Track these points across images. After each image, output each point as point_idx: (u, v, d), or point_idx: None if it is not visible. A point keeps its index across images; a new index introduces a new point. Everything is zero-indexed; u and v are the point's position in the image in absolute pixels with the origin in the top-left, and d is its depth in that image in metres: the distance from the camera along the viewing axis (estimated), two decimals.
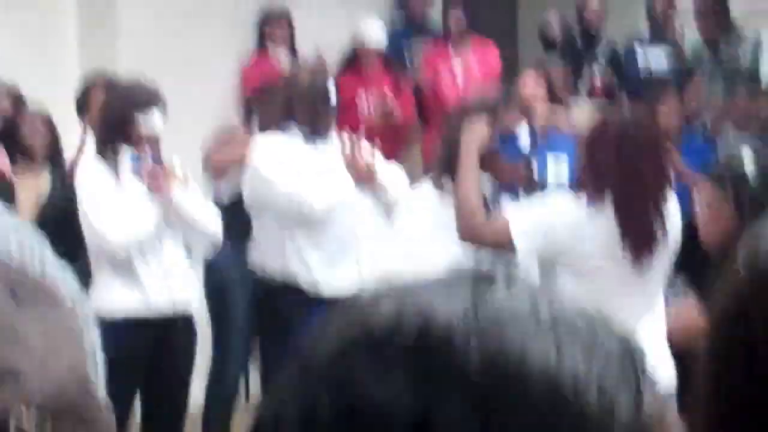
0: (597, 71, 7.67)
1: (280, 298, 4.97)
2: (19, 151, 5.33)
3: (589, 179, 3.87)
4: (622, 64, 7.85)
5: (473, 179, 3.95)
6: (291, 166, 4.77)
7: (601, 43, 7.82)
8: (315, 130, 4.95)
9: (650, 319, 3.88)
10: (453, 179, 4.01)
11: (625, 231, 3.80)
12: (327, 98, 5.02)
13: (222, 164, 5.38)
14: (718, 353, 1.05)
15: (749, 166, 3.96)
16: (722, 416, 1.04)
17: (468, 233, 3.90)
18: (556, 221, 3.76)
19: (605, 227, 3.76)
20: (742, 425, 1.02)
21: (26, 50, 6.70)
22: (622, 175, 3.84)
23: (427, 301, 0.69)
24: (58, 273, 1.08)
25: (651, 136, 4.00)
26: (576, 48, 7.75)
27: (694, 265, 4.05)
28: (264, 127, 5.21)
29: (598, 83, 7.60)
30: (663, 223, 3.85)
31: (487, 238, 3.89)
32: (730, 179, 3.95)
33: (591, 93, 7.53)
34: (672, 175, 4.08)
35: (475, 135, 3.96)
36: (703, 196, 4.07)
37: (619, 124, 3.95)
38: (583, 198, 3.78)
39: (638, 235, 3.81)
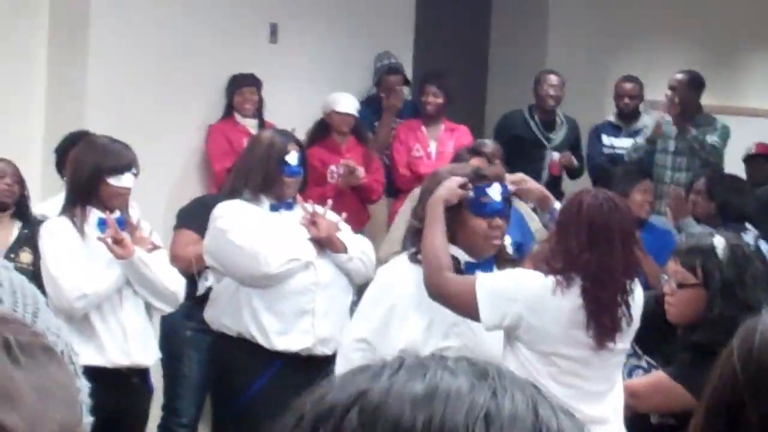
0: (554, 154, 7.81)
1: (234, 352, 4.93)
2: None
3: (558, 261, 3.84)
4: (580, 147, 8.07)
5: (440, 234, 3.92)
6: (252, 229, 4.75)
7: (559, 124, 7.98)
8: (269, 196, 4.95)
9: (610, 397, 3.85)
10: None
11: (591, 318, 3.78)
12: (282, 166, 5.00)
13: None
14: None
15: (719, 246, 4.02)
16: None
17: (434, 289, 3.86)
18: (520, 296, 3.73)
19: (569, 311, 3.75)
20: None
21: None
22: (594, 262, 3.82)
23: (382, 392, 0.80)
24: (52, 324, 1.06)
25: (624, 223, 3.94)
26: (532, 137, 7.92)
27: (658, 338, 4.11)
28: (229, 192, 5.16)
29: (555, 166, 7.75)
30: (629, 311, 3.81)
31: (452, 298, 3.87)
32: (700, 258, 4.00)
33: (550, 173, 7.79)
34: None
35: (444, 189, 3.92)
36: (671, 275, 4.08)
37: (595, 209, 3.90)
38: (550, 278, 3.75)
39: (604, 323, 3.78)
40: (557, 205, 4.32)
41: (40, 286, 4.39)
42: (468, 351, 3.90)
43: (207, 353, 5.44)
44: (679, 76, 7.89)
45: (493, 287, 3.79)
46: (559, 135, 7.96)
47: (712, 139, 7.67)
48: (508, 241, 5.79)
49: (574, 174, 8.00)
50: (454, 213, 3.97)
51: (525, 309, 3.75)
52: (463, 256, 4.01)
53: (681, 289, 3.93)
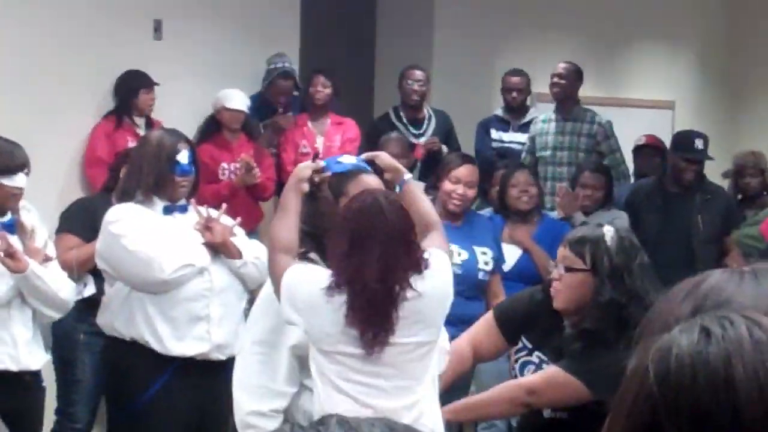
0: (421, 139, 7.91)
1: (128, 357, 4.89)
2: None
3: (331, 260, 3.90)
4: (452, 139, 8.08)
5: (288, 220, 3.91)
6: (146, 234, 4.73)
7: (427, 118, 8.02)
8: (161, 197, 4.92)
9: (420, 389, 3.90)
10: (320, 253, 3.92)
11: (351, 325, 3.83)
12: (173, 165, 4.97)
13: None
14: None
15: (608, 235, 4.11)
16: None
17: (268, 268, 3.91)
18: (299, 294, 3.77)
19: (342, 313, 3.80)
20: None
21: None
22: (351, 269, 3.85)
23: None
24: None
25: (389, 228, 3.94)
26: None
27: (547, 332, 4.13)
28: (121, 194, 5.14)
29: (418, 150, 7.75)
30: (396, 312, 3.82)
31: (274, 276, 3.88)
32: (589, 245, 4.08)
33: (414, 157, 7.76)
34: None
35: (293, 176, 3.93)
36: (560, 261, 4.16)
37: (357, 214, 3.93)
38: (327, 278, 3.83)
39: (363, 330, 3.80)
40: (407, 177, 4.25)
41: None
42: None
43: (101, 357, 5.39)
44: (564, 65, 8.11)
45: (289, 281, 3.81)
46: (428, 130, 8.00)
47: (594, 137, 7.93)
48: (489, 255, 6.13)
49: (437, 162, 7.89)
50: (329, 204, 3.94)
51: (305, 308, 3.80)
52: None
53: (568, 273, 4.01)
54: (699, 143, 7.39)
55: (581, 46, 9.58)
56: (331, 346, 3.86)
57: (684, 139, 7.55)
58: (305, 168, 3.91)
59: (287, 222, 3.92)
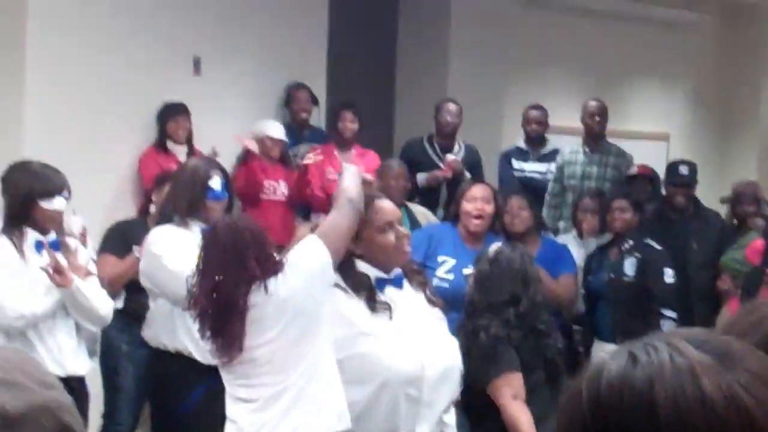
0: (449, 157, 7.81)
1: (172, 367, 4.93)
2: None
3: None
4: (479, 171, 7.97)
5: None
6: (184, 254, 4.67)
7: (457, 150, 7.97)
8: (195, 220, 4.89)
9: (281, 387, 3.93)
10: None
11: (204, 337, 4.00)
12: (206, 191, 4.97)
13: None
14: None
15: (490, 250, 4.80)
16: None
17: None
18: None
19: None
20: None
21: None
22: (196, 288, 4.01)
23: None
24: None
25: (225, 245, 4.01)
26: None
27: None
28: (159, 217, 5.18)
29: (447, 167, 7.74)
30: (241, 320, 3.89)
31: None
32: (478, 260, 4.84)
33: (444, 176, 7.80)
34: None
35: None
36: None
37: (212, 236, 4.05)
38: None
39: (215, 340, 3.92)
40: (349, 166, 4.39)
41: None
42: None
43: (143, 367, 5.38)
44: (596, 104, 8.15)
45: None
46: (456, 152, 7.92)
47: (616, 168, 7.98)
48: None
49: (459, 182, 7.63)
50: (360, 233, 4.03)
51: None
52: (374, 272, 4.07)
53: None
54: (683, 169, 7.42)
55: (583, 81, 9.83)
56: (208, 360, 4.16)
57: (672, 168, 7.61)
58: (354, 175, 4.12)
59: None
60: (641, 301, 6.54)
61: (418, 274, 4.32)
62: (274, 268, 3.92)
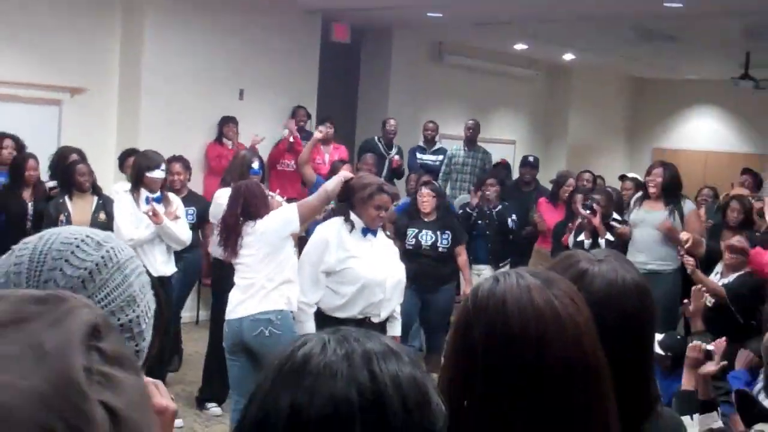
0: (394, 155, 7.76)
1: (224, 271, 4.73)
2: (74, 185, 5.11)
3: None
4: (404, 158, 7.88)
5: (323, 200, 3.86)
6: None
7: (395, 147, 7.89)
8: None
9: (251, 281, 3.88)
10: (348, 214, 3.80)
11: (223, 246, 3.99)
12: (249, 169, 4.86)
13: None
14: (455, 351, 1.06)
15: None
16: (453, 379, 1.05)
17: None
18: None
19: None
20: (465, 388, 1.02)
21: (84, 128, 6.63)
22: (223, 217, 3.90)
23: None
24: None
25: (238, 196, 3.92)
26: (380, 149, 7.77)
27: None
28: (223, 183, 5.04)
29: (395, 162, 7.72)
30: (240, 240, 3.92)
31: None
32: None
33: (391, 166, 7.71)
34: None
35: (332, 183, 3.86)
36: None
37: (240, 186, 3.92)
38: None
39: (224, 248, 3.99)
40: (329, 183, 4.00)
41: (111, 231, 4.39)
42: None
43: (210, 268, 5.21)
44: (471, 122, 8.00)
45: None
46: (393, 152, 7.85)
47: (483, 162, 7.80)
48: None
49: (401, 175, 7.83)
50: (363, 202, 3.80)
51: None
52: (360, 224, 3.85)
53: None
54: (531, 159, 7.43)
55: (465, 108, 9.63)
56: None
57: (524, 158, 7.55)
58: (339, 179, 3.85)
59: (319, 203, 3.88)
60: (503, 236, 6.40)
61: (386, 227, 4.08)
62: (260, 213, 3.89)
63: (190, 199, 5.56)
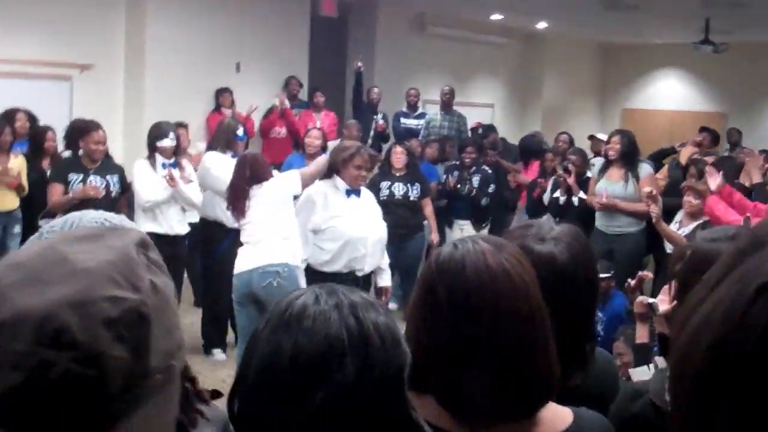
0: (379, 120, 7.72)
1: (211, 230, 4.89)
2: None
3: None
4: (389, 123, 7.81)
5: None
6: (223, 169, 4.51)
7: (379, 110, 7.85)
8: (228, 152, 4.69)
9: (259, 236, 3.88)
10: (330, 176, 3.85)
11: (231, 209, 4.04)
12: (234, 135, 4.81)
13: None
14: (422, 305, 1.06)
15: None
16: (419, 328, 1.05)
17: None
18: None
19: None
20: (432, 335, 1.04)
21: (94, 103, 6.61)
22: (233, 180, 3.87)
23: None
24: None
25: (245, 165, 3.94)
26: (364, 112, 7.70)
27: None
28: (210, 148, 5.01)
29: (379, 126, 7.68)
30: (247, 201, 3.93)
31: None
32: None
33: (376, 130, 7.63)
34: None
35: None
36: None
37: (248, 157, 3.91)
38: None
39: (233, 208, 3.99)
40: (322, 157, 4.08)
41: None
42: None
43: (200, 230, 5.12)
44: (448, 88, 7.93)
45: None
46: (378, 117, 7.79)
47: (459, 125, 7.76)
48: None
49: (386, 138, 7.72)
50: (345, 165, 3.85)
51: None
52: (343, 185, 3.89)
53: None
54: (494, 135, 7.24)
55: (444, 76, 9.48)
56: None
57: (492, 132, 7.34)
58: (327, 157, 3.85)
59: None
60: (482, 198, 6.31)
61: (368, 189, 4.10)
62: (265, 177, 3.94)
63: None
